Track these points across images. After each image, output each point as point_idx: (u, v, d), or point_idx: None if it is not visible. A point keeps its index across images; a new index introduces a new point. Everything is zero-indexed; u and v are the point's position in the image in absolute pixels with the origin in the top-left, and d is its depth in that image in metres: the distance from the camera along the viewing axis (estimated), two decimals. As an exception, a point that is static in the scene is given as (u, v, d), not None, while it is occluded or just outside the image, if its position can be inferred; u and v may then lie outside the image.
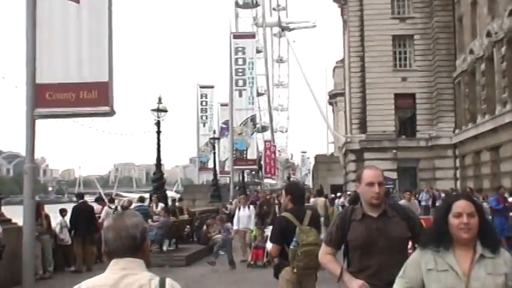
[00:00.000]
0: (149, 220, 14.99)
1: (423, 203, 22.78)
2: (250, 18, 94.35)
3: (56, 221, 11.96)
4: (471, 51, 30.04)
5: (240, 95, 32.07)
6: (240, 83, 32.08)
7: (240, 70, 31.97)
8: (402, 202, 11.84)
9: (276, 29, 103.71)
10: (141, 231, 2.35)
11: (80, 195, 13.07)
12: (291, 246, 5.29)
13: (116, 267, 2.28)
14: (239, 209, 15.23)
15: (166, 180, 24.32)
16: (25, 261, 8.90)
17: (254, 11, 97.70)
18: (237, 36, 32.50)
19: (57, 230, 11.90)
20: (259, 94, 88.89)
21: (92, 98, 9.25)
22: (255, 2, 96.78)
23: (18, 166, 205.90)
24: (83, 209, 11.99)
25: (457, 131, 33.45)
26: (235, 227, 14.76)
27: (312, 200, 18.72)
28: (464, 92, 32.00)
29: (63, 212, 12.17)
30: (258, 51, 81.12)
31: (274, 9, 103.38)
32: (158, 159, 21.74)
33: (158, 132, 21.56)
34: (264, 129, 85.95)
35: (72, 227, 12.13)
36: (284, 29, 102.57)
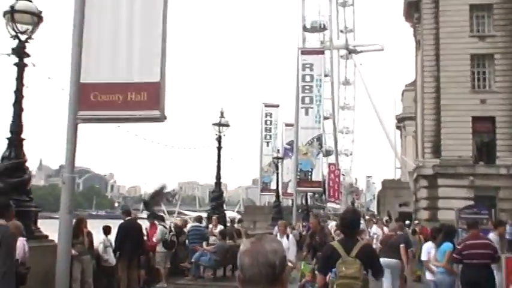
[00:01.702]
0: (204, 243, 13.70)
1: (507, 237, 20.52)
2: (318, 42, 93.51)
3: (98, 239, 10.76)
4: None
5: (307, 113, 30.61)
6: (307, 100, 30.65)
7: (307, 87, 30.59)
8: (491, 235, 10.03)
9: (343, 51, 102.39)
10: (280, 259, 2.19)
11: (127, 212, 11.87)
12: (330, 277, 5.02)
13: None
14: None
15: (225, 200, 23.11)
16: (58, 284, 7.76)
17: (321, 34, 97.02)
18: (305, 52, 31.25)
19: (100, 249, 10.72)
20: (324, 118, 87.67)
21: (141, 100, 8.09)
22: (322, 25, 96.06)
23: (87, 181, 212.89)
24: (130, 227, 10.76)
25: (542, 158, 30.71)
26: None
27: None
28: (552, 116, 29.34)
29: (107, 229, 10.95)
30: (326, 75, 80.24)
31: (341, 31, 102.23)
32: (218, 176, 20.61)
33: (219, 148, 20.48)
34: (328, 153, 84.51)
35: (117, 247, 10.90)
36: (351, 51, 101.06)
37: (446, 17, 34.96)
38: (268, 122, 47.78)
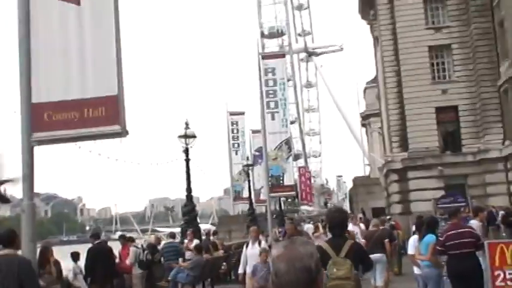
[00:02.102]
0: (180, 259, 13.24)
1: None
2: (277, 47, 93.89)
3: (67, 267, 10.22)
4: (518, 55, 27.90)
5: (273, 118, 30.39)
6: (272, 105, 30.44)
7: (271, 92, 30.37)
8: (473, 222, 9.91)
9: (303, 55, 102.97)
10: (316, 262, 2.15)
11: (96, 235, 11.36)
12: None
13: None
14: (247, 246, 11.27)
15: (198, 212, 22.68)
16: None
17: (280, 39, 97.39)
18: (266, 56, 31.05)
19: (70, 278, 10.21)
20: (290, 122, 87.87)
21: (99, 116, 7.61)
22: (280, 31, 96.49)
23: (55, 207, 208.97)
24: (99, 251, 10.26)
25: (507, 142, 31.08)
26: (240, 270, 11.15)
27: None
28: (512, 100, 29.76)
29: (75, 256, 10.41)
30: (288, 80, 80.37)
31: (299, 34, 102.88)
32: (188, 189, 20.17)
33: (187, 160, 20.06)
34: (297, 157, 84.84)
35: (88, 273, 10.37)
36: (311, 54, 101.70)
37: (402, 11, 35.26)
38: (235, 131, 47.48)
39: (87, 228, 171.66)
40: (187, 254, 14.09)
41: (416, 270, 8.75)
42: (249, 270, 10.43)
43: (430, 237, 7.97)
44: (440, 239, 7.75)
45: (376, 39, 43.18)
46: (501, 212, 23.43)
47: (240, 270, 11.04)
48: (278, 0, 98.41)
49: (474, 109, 33.69)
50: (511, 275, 8.51)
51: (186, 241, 16.69)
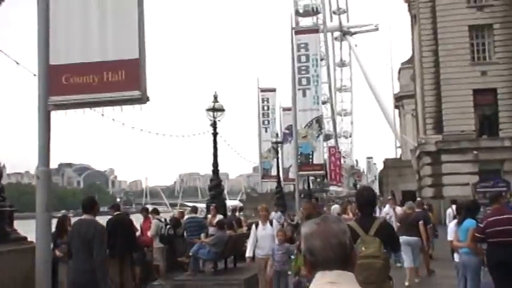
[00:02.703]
0: (202, 234, 12.85)
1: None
2: (311, 25, 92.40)
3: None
4: None
5: (304, 95, 29.66)
6: (304, 81, 29.68)
7: (303, 68, 29.61)
8: None
9: (337, 33, 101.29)
10: (349, 239, 2.13)
11: (115, 207, 10.99)
12: None
13: (323, 281, 2.04)
14: (257, 226, 10.07)
15: (225, 189, 22.32)
16: (39, 289, 6.95)
17: (315, 18, 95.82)
18: (300, 31, 30.24)
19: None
20: (322, 102, 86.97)
21: (119, 80, 7.22)
22: (315, 9, 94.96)
23: (88, 178, 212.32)
24: (119, 223, 9.89)
25: (547, 128, 29.87)
26: (248, 253, 10.06)
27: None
28: (556, 83, 28.47)
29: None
30: (321, 59, 79.26)
31: (334, 12, 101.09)
32: (215, 164, 19.77)
33: (214, 134, 19.64)
34: (328, 137, 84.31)
35: (107, 245, 9.99)
36: (346, 33, 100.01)
37: (442, -12, 33.98)
38: (266, 108, 46.88)
39: (118, 200, 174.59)
40: (211, 230, 13.72)
41: (456, 257, 8.10)
42: (262, 252, 9.62)
43: (469, 222, 7.32)
44: (480, 225, 7.13)
45: (414, 18, 41.88)
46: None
47: (248, 253, 10.00)
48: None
49: (514, 92, 32.43)
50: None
51: (209, 216, 16.37)
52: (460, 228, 7.48)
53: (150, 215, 13.34)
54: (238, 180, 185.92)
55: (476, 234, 7.02)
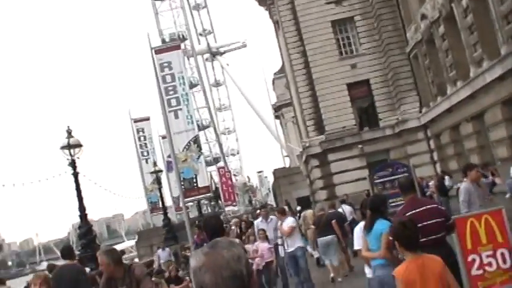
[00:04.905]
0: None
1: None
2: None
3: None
4: (423, 17, 26.61)
5: (176, 117, 27.50)
6: (173, 102, 27.53)
7: (170, 88, 27.45)
8: (465, 186, 7.45)
9: (208, 55, 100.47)
10: (246, 264, 1.87)
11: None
12: None
13: None
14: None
15: (96, 233, 19.53)
16: None
17: (183, 44, 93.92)
18: (160, 50, 28.00)
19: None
20: (204, 127, 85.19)
21: None
22: (182, 36, 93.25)
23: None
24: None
25: (424, 109, 29.90)
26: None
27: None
28: (424, 64, 28.53)
29: None
30: (194, 85, 77.65)
31: (201, 34, 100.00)
32: (81, 208, 16.95)
33: (75, 175, 16.88)
34: (216, 160, 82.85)
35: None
36: (215, 54, 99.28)
37: (298, -12, 33.43)
38: (142, 138, 44.20)
39: (9, 263, 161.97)
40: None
41: (367, 271, 6.04)
42: None
43: (380, 224, 5.39)
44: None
45: (276, 24, 41.32)
46: (431, 182, 21.88)
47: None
48: (174, 5, 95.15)
49: (386, 80, 32.37)
50: (488, 258, 6.25)
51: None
52: (369, 234, 5.53)
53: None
54: (134, 218, 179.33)
55: (391, 238, 5.16)
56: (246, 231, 15.96)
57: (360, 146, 31.43)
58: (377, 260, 5.56)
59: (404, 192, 5.58)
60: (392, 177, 11.42)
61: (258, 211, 20.65)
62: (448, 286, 3.89)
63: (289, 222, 11.09)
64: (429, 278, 3.85)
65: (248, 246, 11.26)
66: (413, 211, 5.15)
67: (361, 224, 6.12)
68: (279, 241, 12.20)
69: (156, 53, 27.72)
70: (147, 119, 44.87)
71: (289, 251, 11.00)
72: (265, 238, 11.50)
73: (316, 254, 15.14)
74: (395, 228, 4.12)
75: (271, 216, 12.94)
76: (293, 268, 11.07)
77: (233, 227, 19.18)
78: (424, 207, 5.23)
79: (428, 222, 5.08)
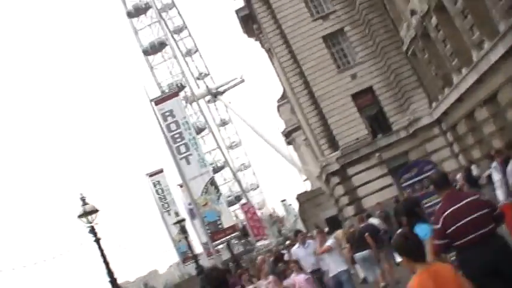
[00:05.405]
0: None
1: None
2: (183, 101, 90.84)
3: None
4: (413, 12, 26.27)
5: (188, 163, 27.29)
6: (183, 149, 27.41)
7: (176, 136, 27.35)
8: (495, 167, 7.01)
9: (209, 97, 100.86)
10: None
11: None
12: None
13: None
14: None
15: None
16: None
17: (183, 92, 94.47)
18: (159, 100, 28.02)
19: None
20: (220, 168, 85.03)
21: None
22: (180, 84, 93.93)
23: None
24: None
25: (434, 104, 29.30)
26: None
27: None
28: (423, 59, 28.07)
29: None
30: (202, 129, 77.79)
31: (198, 78, 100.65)
32: (109, 273, 16.55)
33: (97, 241, 16.54)
34: (238, 198, 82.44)
35: None
36: (216, 94, 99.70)
37: (283, 11, 33.40)
38: (160, 191, 44.12)
39: None
40: None
41: None
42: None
43: (420, 230, 4.83)
44: (436, 226, 4.72)
45: (269, 51, 41.26)
46: (458, 176, 21.21)
47: None
48: (167, 56, 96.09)
49: (389, 83, 31.92)
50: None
51: None
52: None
53: None
54: (169, 271, 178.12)
55: (436, 242, 4.61)
56: (277, 265, 15.37)
57: (377, 154, 30.81)
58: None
59: (439, 189, 5.05)
60: (421, 177, 10.72)
61: (288, 241, 20.07)
62: None
63: (327, 242, 10.86)
64: (444, 284, 3.63)
65: (288, 282, 10.71)
66: (452, 207, 4.62)
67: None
68: (323, 266, 11.53)
69: (156, 104, 27.77)
70: (161, 171, 44.83)
71: (332, 275, 10.55)
72: (299, 269, 10.80)
73: (361, 275, 14.48)
74: (397, 242, 3.74)
75: (308, 241, 12.50)
76: None
77: (264, 266, 18.24)
78: (465, 201, 4.69)
79: (473, 216, 4.54)
